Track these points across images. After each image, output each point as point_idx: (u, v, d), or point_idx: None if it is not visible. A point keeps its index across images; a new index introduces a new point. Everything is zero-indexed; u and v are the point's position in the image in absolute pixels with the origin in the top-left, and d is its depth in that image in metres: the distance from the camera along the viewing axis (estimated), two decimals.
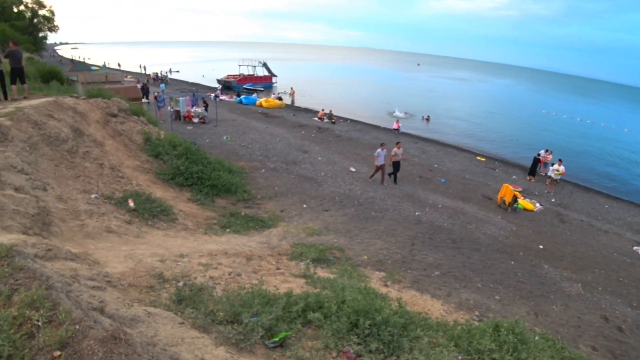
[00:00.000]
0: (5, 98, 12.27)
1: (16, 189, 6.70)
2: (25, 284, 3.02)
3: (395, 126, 29.68)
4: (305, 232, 10.47)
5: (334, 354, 4.09)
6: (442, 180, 17.83)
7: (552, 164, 19.71)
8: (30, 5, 66.65)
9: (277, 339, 4.06)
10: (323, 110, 31.75)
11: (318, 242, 9.57)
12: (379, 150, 15.03)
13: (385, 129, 30.20)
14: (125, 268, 5.39)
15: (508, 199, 15.03)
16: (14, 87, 12.40)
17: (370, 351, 4.21)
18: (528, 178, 20.77)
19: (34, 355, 2.43)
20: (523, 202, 15.83)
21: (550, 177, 19.28)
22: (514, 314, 7.61)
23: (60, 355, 2.45)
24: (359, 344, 4.27)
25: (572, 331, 7.81)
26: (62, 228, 6.62)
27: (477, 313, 7.50)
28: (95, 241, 6.75)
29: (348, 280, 7.00)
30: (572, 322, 8.16)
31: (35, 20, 67.72)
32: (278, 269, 7.25)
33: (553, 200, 17.62)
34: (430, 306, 7.29)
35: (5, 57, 12.16)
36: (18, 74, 12.36)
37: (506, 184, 15.81)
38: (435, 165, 20.57)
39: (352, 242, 10.26)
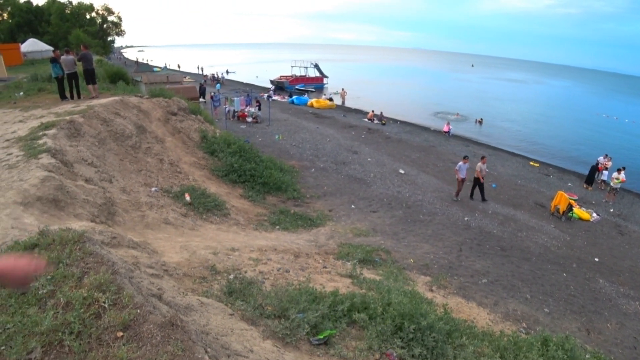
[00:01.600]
0: (79, 97, 13.29)
1: (86, 180, 7.24)
2: (94, 268, 3.26)
3: (445, 128, 28.87)
4: (352, 232, 10.46)
5: (377, 356, 4.07)
6: (493, 185, 17.11)
7: (610, 171, 18.36)
8: (100, 12, 71.79)
9: (322, 337, 4.09)
10: (373, 111, 31.52)
11: (365, 243, 9.54)
12: (460, 163, 14.18)
13: (435, 131, 29.46)
14: (180, 258, 5.66)
15: (562, 208, 14.16)
16: (89, 86, 13.40)
17: (413, 356, 4.15)
18: (585, 186, 19.41)
19: (100, 333, 2.62)
20: (578, 211, 14.84)
21: (609, 185, 17.93)
22: (564, 329, 7.21)
23: (122, 336, 2.62)
24: (402, 347, 4.22)
25: (627, 352, 7.24)
26: (125, 218, 7.06)
27: (524, 325, 7.18)
28: (154, 231, 7.15)
29: (394, 283, 6.93)
30: (627, 342, 7.56)
31: (105, 25, 72.75)
32: (325, 267, 7.30)
33: (611, 210, 16.37)
34: (476, 314, 7.06)
35: (79, 60, 13.16)
36: (90, 75, 13.35)
37: (561, 192, 14.89)
38: (487, 170, 19.78)
39: (399, 244, 10.13)
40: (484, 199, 14.28)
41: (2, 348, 2.50)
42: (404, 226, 11.52)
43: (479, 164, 14.08)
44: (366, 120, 30.50)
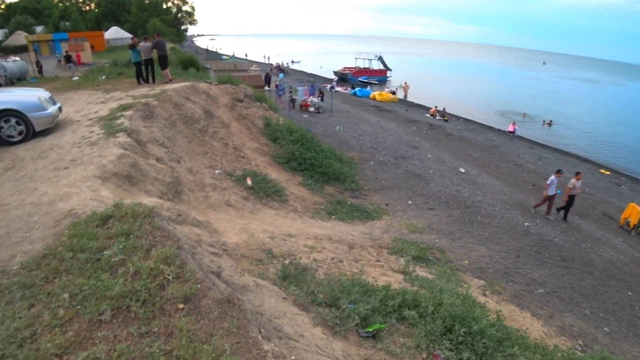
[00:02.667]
0: (154, 81, 14.10)
1: (157, 160, 7.67)
2: (161, 242, 3.44)
3: (511, 128, 27.21)
4: (407, 228, 10.25)
5: (425, 355, 3.97)
6: (559, 191, 15.93)
7: None
8: (175, 1, 75.71)
9: (370, 329, 4.05)
10: (436, 107, 30.51)
11: (420, 240, 9.31)
12: (552, 177, 12.87)
13: (499, 131, 27.88)
14: (239, 240, 5.84)
15: (633, 221, 12.81)
16: (165, 71, 14.18)
17: (461, 359, 4.00)
18: None
19: (163, 304, 2.76)
20: None
21: None
22: (625, 352, 6.59)
23: (183, 308, 2.75)
24: (450, 350, 4.09)
25: None
26: (189, 197, 7.41)
27: (580, 342, 6.67)
28: (215, 212, 7.44)
29: (446, 283, 6.72)
30: None
31: (179, 14, 76.63)
32: (378, 261, 7.22)
33: None
34: (529, 325, 6.66)
35: (153, 47, 13.93)
36: (163, 61, 14.10)
37: (633, 204, 13.45)
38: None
39: (454, 244, 9.78)
40: (565, 219, 12.94)
41: (78, 307, 2.72)
42: (461, 226, 11.11)
43: (572, 180, 12.77)
44: (428, 115, 29.62)
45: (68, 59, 24.23)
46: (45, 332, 2.56)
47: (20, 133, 7.72)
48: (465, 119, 30.88)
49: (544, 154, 22.57)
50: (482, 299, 6.79)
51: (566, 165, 20.72)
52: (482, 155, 19.83)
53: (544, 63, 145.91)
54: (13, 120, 7.63)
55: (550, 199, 12.81)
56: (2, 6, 56.22)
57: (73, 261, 3.18)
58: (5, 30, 53.63)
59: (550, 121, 32.69)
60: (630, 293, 9.01)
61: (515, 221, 11.87)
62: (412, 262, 7.53)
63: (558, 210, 13.11)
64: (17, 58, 23.39)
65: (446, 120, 28.48)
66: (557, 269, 9.43)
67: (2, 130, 7.56)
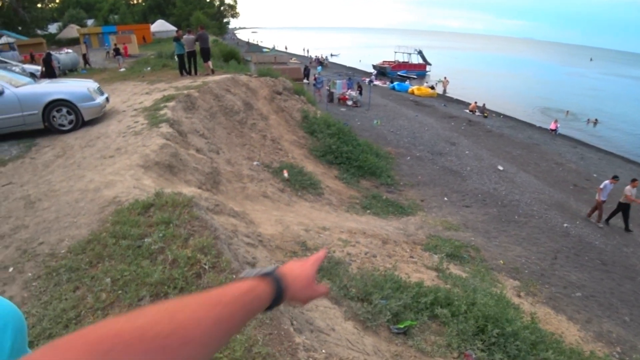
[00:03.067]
0: (196, 73, 14.43)
1: (197, 150, 7.85)
2: (198, 231, 3.51)
3: (552, 126, 25.90)
4: (442, 225, 10.03)
5: (455, 355, 3.87)
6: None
7: None
8: None
9: (402, 326, 3.99)
10: (476, 102, 29.51)
11: (454, 238, 9.09)
12: (607, 182, 12.38)
13: (540, 129, 26.61)
14: (275, 231, 5.89)
15: None
16: (207, 64, 14.50)
17: None
18: None
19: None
20: None
21: None
22: None
23: None
24: (482, 350, 3.97)
25: None
26: (227, 187, 7.55)
27: (618, 349, 6.31)
28: (252, 203, 7.54)
29: (480, 283, 6.52)
30: None
31: (221, 7, 77.98)
32: (411, 257, 7.10)
33: None
34: (564, 329, 6.37)
35: (196, 40, 14.22)
36: (205, 54, 14.39)
37: None
38: (594, 175, 17.37)
39: (490, 243, 9.48)
40: (627, 229, 12.06)
41: (119, 292, 2.82)
42: (497, 225, 10.77)
43: (628, 187, 12.03)
44: (467, 111, 28.72)
45: (117, 51, 25.29)
46: (88, 314, 2.67)
47: (70, 122, 8.11)
48: (505, 116, 29.74)
49: (587, 154, 21.39)
50: (516, 300, 6.57)
51: (611, 166, 19.58)
52: (521, 153, 19.08)
53: (591, 59, 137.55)
54: (64, 110, 8.02)
55: (601, 205, 12.20)
56: (57, 0, 59.34)
57: (115, 247, 3.30)
58: (60, 23, 56.51)
59: (596, 120, 30.90)
60: None
61: (554, 222, 11.39)
62: (446, 260, 7.37)
63: (611, 216, 12.41)
64: (70, 50, 24.57)
65: (486, 117, 27.55)
66: (597, 273, 9.01)
67: (54, 119, 7.97)
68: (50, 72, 16.28)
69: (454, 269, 7.07)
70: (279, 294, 0.73)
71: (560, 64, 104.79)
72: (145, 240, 3.35)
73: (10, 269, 3.39)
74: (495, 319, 4.30)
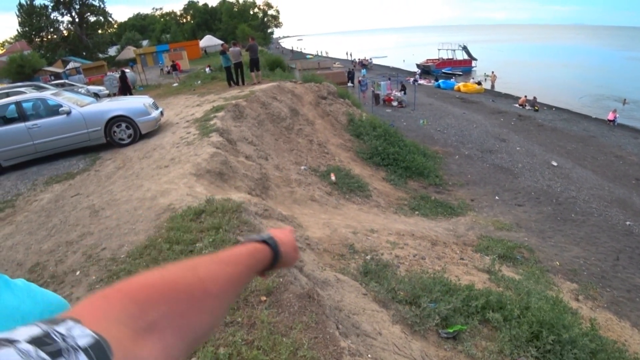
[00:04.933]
0: (243, 83, 14.89)
1: (246, 157, 8.09)
2: (247, 235, 3.62)
3: (610, 117, 23.86)
4: (494, 225, 9.62)
5: None
6: None
7: None
8: (262, 7, 79.33)
9: (451, 330, 3.87)
10: (525, 96, 28.01)
11: (507, 238, 8.69)
12: None
13: (597, 120, 24.68)
14: (322, 234, 5.93)
15: None
16: (252, 74, 14.95)
17: None
18: None
19: (247, 295, 2.90)
20: None
21: None
22: None
23: (265, 301, 2.86)
24: (536, 358, 3.75)
25: None
26: (276, 192, 7.70)
27: None
28: (300, 207, 7.64)
29: (535, 285, 6.15)
30: None
31: (265, 19, 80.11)
32: (462, 259, 6.87)
33: None
34: (628, 336, 5.83)
35: (246, 50, 14.69)
36: (255, 64, 14.82)
37: None
38: None
39: (545, 244, 8.95)
40: None
41: None
42: (552, 224, 10.14)
43: None
44: (517, 106, 27.34)
45: (174, 67, 26.79)
46: None
47: (129, 136, 8.65)
48: (557, 108, 27.95)
49: None
50: (574, 305, 6.14)
51: None
52: (576, 147, 17.88)
53: None
54: (123, 125, 8.57)
55: None
56: (115, 26, 63.86)
57: (169, 252, 3.48)
58: (118, 46, 60.61)
59: None
60: None
61: (615, 220, 10.55)
62: (498, 261, 7.04)
63: None
64: (128, 70, 26.26)
65: (536, 110, 26.08)
66: None
67: (115, 134, 8.54)
68: (125, 87, 17.44)
69: (507, 271, 6.76)
70: (276, 257, 0.80)
71: (617, 49, 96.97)
72: (197, 245, 3.50)
73: (77, 273, 3.68)
74: (551, 325, 4.05)
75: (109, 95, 18.37)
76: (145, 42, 65.50)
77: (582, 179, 13.57)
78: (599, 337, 4.54)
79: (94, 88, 19.48)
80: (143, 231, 4.19)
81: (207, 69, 26.08)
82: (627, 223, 10.45)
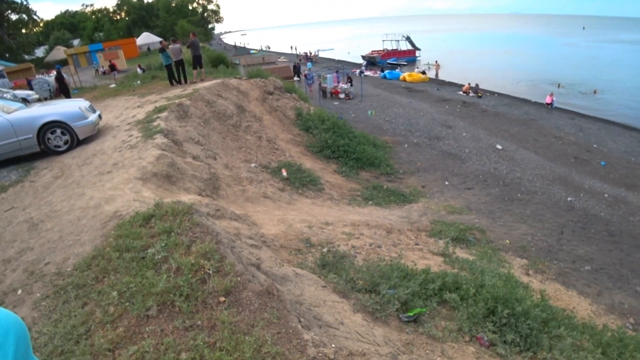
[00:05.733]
0: (186, 81, 14.43)
1: (194, 157, 7.87)
2: (200, 237, 3.54)
3: (548, 100, 25.77)
4: (446, 209, 10.05)
5: (467, 338, 3.88)
6: (602, 163, 14.99)
7: None
8: (201, 2, 77.09)
9: (411, 314, 4.01)
10: (469, 84, 29.42)
11: (458, 221, 9.11)
12: None
13: (536, 104, 26.48)
14: (277, 231, 5.92)
15: None
16: (194, 71, 14.52)
17: (505, 342, 3.89)
18: None
19: (205, 297, 2.84)
20: None
21: None
22: None
23: (224, 301, 2.82)
24: (494, 332, 3.98)
25: None
26: (227, 192, 7.57)
27: (631, 320, 6.32)
28: (253, 205, 7.57)
29: (488, 264, 6.53)
30: None
31: (205, 14, 77.94)
32: (417, 244, 7.12)
33: None
34: (576, 304, 6.38)
35: (187, 47, 14.24)
36: (197, 61, 14.40)
37: None
38: (595, 146, 17.36)
39: (495, 224, 9.49)
40: None
41: (127, 304, 2.85)
42: (501, 205, 10.78)
43: None
44: (461, 93, 28.63)
45: (112, 67, 25.43)
46: (98, 328, 2.71)
47: (65, 142, 8.13)
48: (499, 94, 29.62)
49: (586, 125, 21.27)
50: (525, 279, 6.58)
51: (610, 135, 19.53)
52: (519, 130, 19.05)
53: (583, 28, 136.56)
54: (59, 131, 8.04)
55: None
56: (41, 24, 59.37)
57: (120, 261, 3.34)
58: (46, 46, 56.51)
59: (595, 90, 30.77)
60: None
61: (558, 197, 11.38)
62: (452, 244, 7.38)
63: None
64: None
65: (480, 97, 27.47)
66: (604, 245, 8.98)
67: (50, 141, 7.99)
68: (63, 88, 16.33)
69: (461, 253, 7.08)
70: None
71: (552, 36, 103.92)
72: (149, 251, 3.38)
73: (19, 291, 3.44)
74: (505, 300, 4.29)
75: (39, 100, 17.15)
76: (76, 42, 61.54)
77: (525, 160, 14.45)
78: (550, 307, 4.88)
79: (21, 92, 18.06)
80: (89, 241, 3.99)
81: (139, 69, 24.99)
82: (569, 199, 11.28)
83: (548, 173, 13.31)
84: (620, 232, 9.64)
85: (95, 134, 8.83)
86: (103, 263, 3.40)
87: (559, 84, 32.72)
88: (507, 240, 8.55)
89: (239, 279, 3.02)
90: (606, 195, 11.84)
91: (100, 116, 9.25)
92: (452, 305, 4.32)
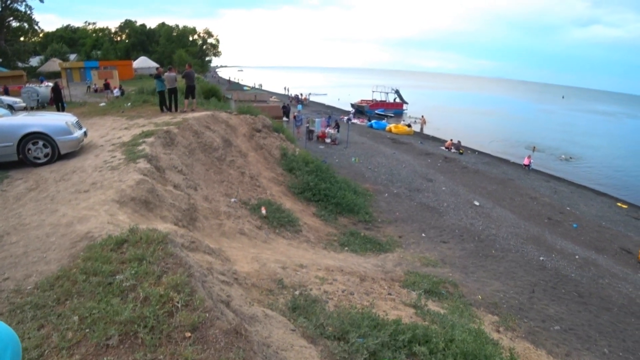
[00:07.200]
0: (176, 110, 14.53)
1: (174, 186, 7.81)
2: (172, 269, 3.47)
3: (526, 162, 27.06)
4: (420, 261, 10.10)
5: None
6: (574, 225, 15.55)
7: None
8: (202, 34, 79.06)
9: None
10: (451, 140, 30.55)
11: (432, 274, 9.14)
12: None
13: (514, 164, 27.73)
14: (251, 269, 5.83)
15: None
16: (186, 101, 14.67)
17: None
18: None
19: (171, 331, 2.75)
20: None
21: None
22: None
23: (190, 337, 2.74)
24: None
25: None
26: (204, 224, 7.48)
27: None
28: (229, 240, 7.47)
29: (459, 319, 6.52)
30: None
31: (204, 46, 79.70)
32: (389, 294, 7.09)
33: None
34: None
35: (183, 77, 14.47)
36: (190, 91, 14.60)
37: None
38: (568, 208, 18.06)
39: (468, 278, 9.57)
40: None
41: (87, 331, 2.73)
42: (475, 260, 10.91)
43: None
44: (443, 148, 29.63)
45: (107, 86, 25.46)
46: (52, 354, 2.57)
47: (46, 155, 8.00)
48: (480, 152, 30.81)
49: (560, 187, 22.24)
50: (495, 336, 6.57)
51: (583, 199, 20.36)
52: (496, 189, 19.63)
53: (562, 97, 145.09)
54: (40, 143, 7.92)
55: None
56: (41, 35, 59.53)
57: (85, 284, 3.22)
58: (42, 57, 56.41)
59: (571, 157, 32.46)
60: None
61: (531, 255, 11.61)
62: (424, 296, 7.38)
63: None
64: (50, 83, 24.51)
65: (461, 153, 28.45)
66: (574, 305, 9.12)
67: (30, 152, 7.85)
68: (58, 100, 16.25)
69: (433, 306, 7.07)
70: None
71: (533, 102, 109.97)
72: (117, 277, 3.28)
73: None
74: (474, 356, 4.28)
75: (25, 109, 16.94)
76: (73, 56, 61.51)
77: (501, 218, 14.77)
78: None
79: (8, 99, 17.84)
80: (55, 260, 3.85)
81: (116, 91, 24.94)
82: (541, 258, 11.50)
83: (522, 232, 13.61)
84: (589, 294, 9.82)
85: (78, 150, 8.72)
86: (67, 284, 3.28)
87: (534, 147, 34.27)
88: (480, 296, 8.58)
89: (207, 315, 2.95)
90: (577, 256, 12.13)
91: (85, 133, 9.18)
92: (421, 358, 4.28)
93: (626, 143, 46.63)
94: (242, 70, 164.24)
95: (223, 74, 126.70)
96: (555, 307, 8.82)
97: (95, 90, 30.02)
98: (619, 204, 20.76)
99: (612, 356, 7.40)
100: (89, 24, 76.76)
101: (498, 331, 7.12)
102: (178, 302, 2.97)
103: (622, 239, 15.01)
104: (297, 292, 5.30)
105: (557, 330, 7.84)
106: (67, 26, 77.03)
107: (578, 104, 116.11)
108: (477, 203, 16.32)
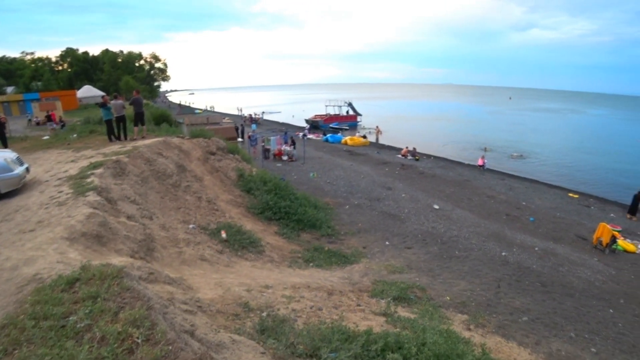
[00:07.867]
0: (125, 138, 14.08)
1: (128, 217, 7.52)
2: (130, 303, 3.33)
3: (480, 162, 28.35)
4: (387, 269, 10.24)
5: None
6: (531, 218, 16.38)
7: None
8: (148, 59, 77.36)
9: None
10: (407, 147, 31.48)
11: (399, 280, 9.28)
12: None
13: (469, 166, 28.94)
14: (214, 295, 5.69)
15: (605, 240, 13.26)
16: (135, 128, 14.24)
17: None
18: (628, 216, 18.12)
19: None
20: (623, 243, 13.81)
21: None
22: None
23: None
24: None
25: None
26: (162, 254, 7.23)
27: None
28: (190, 268, 7.26)
29: (429, 322, 6.66)
30: None
31: (152, 71, 78.00)
32: (358, 305, 7.12)
33: None
34: (516, 355, 6.63)
35: (130, 104, 14.07)
36: (139, 118, 14.20)
37: (603, 223, 13.97)
38: (523, 203, 19.03)
39: (435, 281, 9.80)
40: None
41: None
42: (440, 262, 11.19)
43: None
44: (400, 156, 30.43)
45: (49, 118, 24.22)
46: None
47: None
48: (435, 157, 31.90)
49: (514, 184, 23.36)
50: (466, 334, 6.74)
51: (537, 193, 21.47)
52: (454, 191, 20.31)
53: (510, 98, 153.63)
54: None
55: None
56: None
57: (35, 330, 3.03)
58: None
59: (521, 154, 34.30)
60: (611, 311, 9.16)
61: (493, 252, 12.05)
62: (393, 303, 7.47)
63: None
64: None
65: (417, 160, 29.31)
66: (538, 295, 9.53)
67: None
68: (1, 134, 15.14)
69: (402, 312, 7.16)
70: None
71: (482, 104, 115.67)
72: (70, 318, 3.11)
73: None
74: (447, 356, 4.36)
75: None
76: (10, 89, 58.22)
77: (461, 219, 15.26)
78: None
79: None
80: (0, 308, 3.59)
81: (53, 124, 23.93)
82: (503, 254, 11.95)
83: (483, 230, 14.10)
84: (551, 283, 10.29)
85: (20, 188, 8.24)
86: (15, 333, 3.06)
87: (486, 148, 35.98)
88: (448, 297, 8.79)
89: (170, 347, 2.86)
90: (537, 248, 12.70)
91: (28, 169, 8.69)
92: None
93: (572, 136, 50.17)
94: (193, 94, 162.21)
95: (174, 98, 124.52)
96: (521, 299, 9.17)
97: (37, 124, 28.57)
98: (570, 195, 22.05)
99: (579, 339, 7.78)
100: (27, 54, 73.01)
101: (469, 329, 7.30)
102: (138, 338, 2.86)
103: (576, 227, 15.90)
104: (264, 314, 5.22)
105: (525, 321, 8.15)
106: (2, 57, 72.99)
107: (525, 103, 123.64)
108: (436, 206, 16.80)
